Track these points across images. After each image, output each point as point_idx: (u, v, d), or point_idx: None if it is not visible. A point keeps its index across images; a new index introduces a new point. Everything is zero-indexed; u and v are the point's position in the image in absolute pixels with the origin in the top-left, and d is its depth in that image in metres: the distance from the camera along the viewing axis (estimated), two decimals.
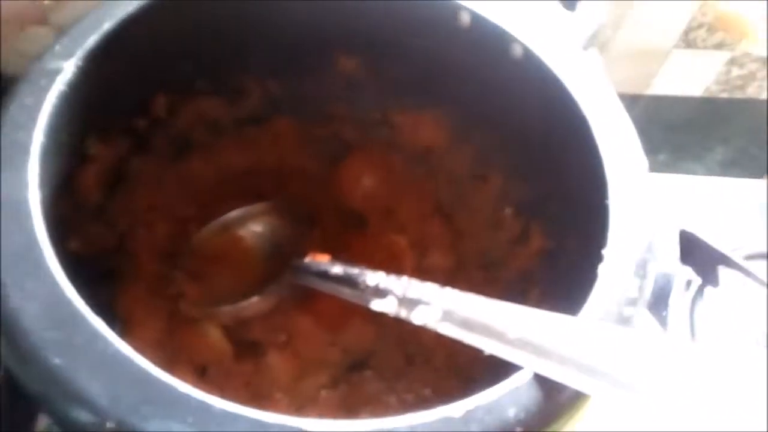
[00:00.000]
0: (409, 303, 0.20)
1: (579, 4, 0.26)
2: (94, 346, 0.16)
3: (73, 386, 0.15)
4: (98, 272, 0.29)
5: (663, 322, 0.39)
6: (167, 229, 0.30)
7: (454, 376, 0.30)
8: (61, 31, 0.22)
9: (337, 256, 0.32)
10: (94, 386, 0.15)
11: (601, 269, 0.19)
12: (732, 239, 0.41)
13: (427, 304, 0.19)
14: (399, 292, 0.21)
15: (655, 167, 0.59)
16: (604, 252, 0.19)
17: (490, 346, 0.17)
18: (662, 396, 0.14)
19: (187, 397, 0.15)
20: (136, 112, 0.28)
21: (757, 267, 0.41)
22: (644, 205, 0.20)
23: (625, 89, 0.59)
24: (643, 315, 0.18)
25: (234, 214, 0.31)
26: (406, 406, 0.29)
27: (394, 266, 0.33)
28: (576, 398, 0.16)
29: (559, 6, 0.26)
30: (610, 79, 0.61)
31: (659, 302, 0.40)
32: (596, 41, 0.26)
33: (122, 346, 0.16)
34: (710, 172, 0.55)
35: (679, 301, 0.39)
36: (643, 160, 0.21)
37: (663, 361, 0.15)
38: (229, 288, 0.28)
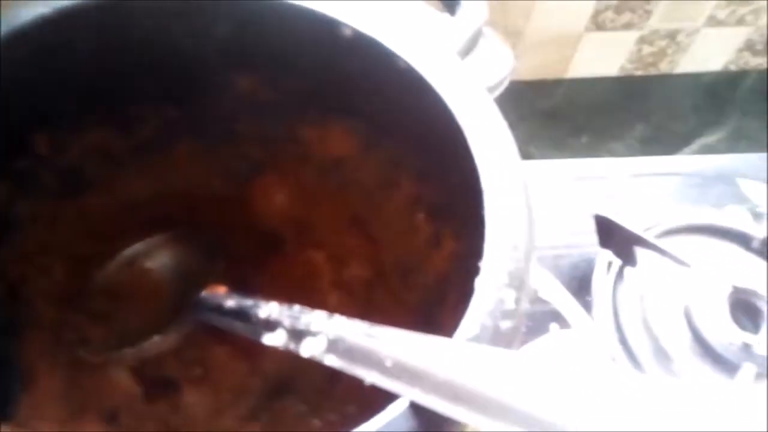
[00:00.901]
0: (297, 335, 0.20)
1: (459, 7, 0.26)
2: None
3: None
4: None
5: (587, 306, 0.40)
6: (65, 270, 0.29)
7: (379, 390, 0.30)
8: None
9: (253, 281, 0.31)
10: None
11: (478, 282, 0.18)
12: (648, 218, 0.42)
13: (314, 334, 0.19)
14: (288, 323, 0.20)
15: (578, 149, 0.61)
16: (480, 264, 0.19)
17: (370, 376, 0.17)
18: (538, 422, 0.13)
19: None
20: (14, 153, 0.27)
21: (677, 242, 0.43)
22: (519, 214, 0.20)
23: (544, 75, 0.60)
24: (522, 328, 0.18)
25: (137, 247, 0.29)
26: (331, 427, 0.29)
27: (311, 283, 0.33)
28: (453, 428, 0.16)
29: (436, 12, 0.26)
30: (528, 66, 0.62)
31: (583, 287, 0.41)
32: (475, 42, 0.26)
33: None
34: (631, 150, 0.57)
35: (601, 283, 0.40)
36: (520, 168, 0.21)
37: (539, 384, 0.14)
38: (133, 327, 0.27)
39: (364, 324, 0.18)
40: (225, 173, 0.34)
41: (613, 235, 0.39)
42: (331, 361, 0.18)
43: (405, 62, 0.24)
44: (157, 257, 0.30)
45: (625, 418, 0.12)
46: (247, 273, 0.31)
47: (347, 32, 0.26)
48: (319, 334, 0.19)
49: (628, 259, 0.40)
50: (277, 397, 0.29)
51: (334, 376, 0.31)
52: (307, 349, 0.19)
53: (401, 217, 0.33)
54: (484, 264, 0.19)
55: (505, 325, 0.18)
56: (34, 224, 0.28)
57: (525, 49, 0.55)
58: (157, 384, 0.28)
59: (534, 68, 0.57)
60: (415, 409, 0.16)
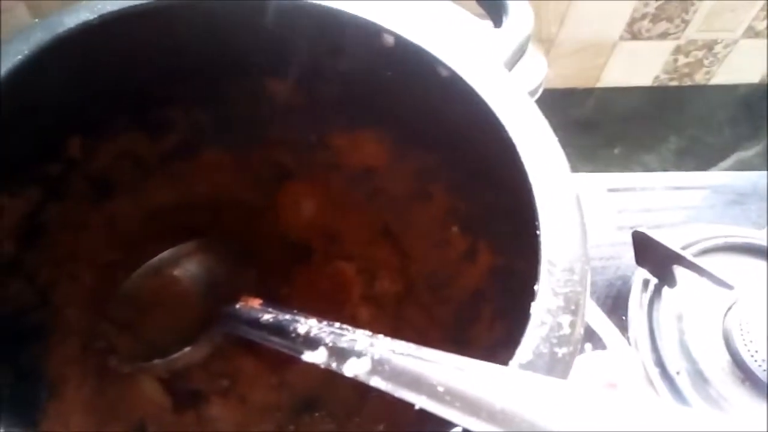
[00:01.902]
0: (340, 353, 0.19)
1: (505, 20, 0.25)
2: None
3: None
4: (20, 331, 0.27)
5: (623, 325, 0.39)
6: (93, 277, 0.28)
7: (410, 409, 0.29)
8: None
9: (280, 292, 0.30)
10: None
11: (533, 307, 0.17)
12: (686, 236, 0.41)
13: (358, 355, 0.18)
14: (330, 341, 0.19)
15: (610, 160, 0.59)
16: (536, 288, 0.18)
17: (420, 401, 0.16)
18: None
19: None
20: (48, 157, 0.26)
21: (714, 261, 0.41)
22: (576, 235, 0.19)
23: (575, 84, 0.59)
24: (577, 353, 0.17)
25: (164, 255, 0.29)
26: None
27: (341, 296, 0.32)
28: None
29: (482, 23, 0.25)
30: (560, 74, 0.61)
31: (618, 305, 0.39)
32: (521, 54, 0.25)
33: None
34: (665, 162, 0.55)
35: (637, 302, 0.39)
36: (573, 185, 0.20)
37: (593, 415, 0.14)
38: (162, 337, 0.27)
39: (411, 346, 0.18)
40: (253, 181, 0.33)
41: (650, 253, 0.38)
42: (377, 383, 0.17)
43: (449, 70, 0.23)
44: (185, 266, 0.29)
45: None
46: (276, 284, 0.30)
47: (389, 39, 0.25)
48: (364, 354, 0.18)
49: (665, 278, 0.38)
50: (305, 412, 0.28)
51: (363, 394, 0.30)
52: (351, 370, 0.18)
53: (434, 229, 0.32)
54: (540, 287, 0.18)
55: (562, 351, 0.17)
56: (64, 229, 0.28)
57: (557, 57, 0.54)
58: (185, 395, 0.27)
59: (566, 77, 0.56)
60: None
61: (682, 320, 0.38)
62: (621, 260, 0.40)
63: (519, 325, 0.26)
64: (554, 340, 0.17)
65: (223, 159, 0.32)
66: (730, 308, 0.37)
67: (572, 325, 0.17)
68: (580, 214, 0.20)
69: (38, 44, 0.21)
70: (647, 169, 0.55)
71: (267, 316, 0.22)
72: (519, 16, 0.25)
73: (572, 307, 0.17)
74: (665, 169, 0.55)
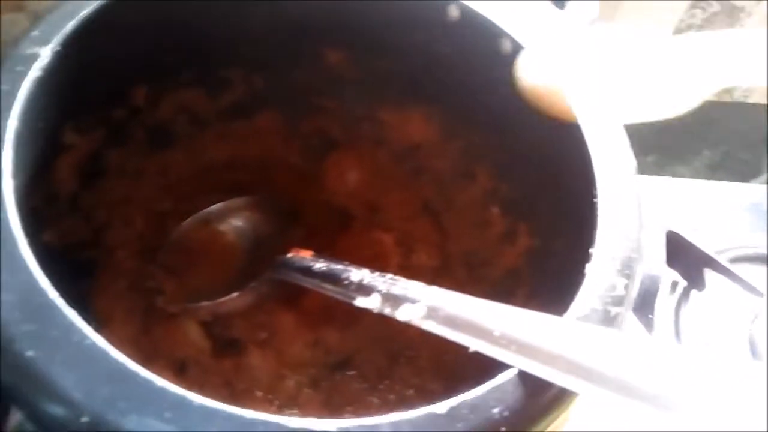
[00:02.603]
0: (394, 300, 0.20)
1: (568, 3, 0.26)
2: (69, 338, 0.15)
3: (46, 379, 0.14)
4: (73, 266, 0.28)
5: (649, 324, 0.39)
6: (145, 222, 0.29)
7: (438, 376, 0.29)
8: (38, 17, 0.21)
9: (321, 254, 0.31)
10: (68, 380, 0.14)
11: (588, 268, 0.18)
12: (718, 242, 0.41)
13: (412, 301, 0.19)
14: (383, 288, 0.20)
15: (643, 169, 0.59)
16: (592, 251, 0.18)
17: (475, 344, 0.17)
18: (649, 396, 0.13)
19: (165, 392, 0.15)
20: (114, 102, 0.28)
21: (742, 270, 0.41)
22: (632, 204, 0.20)
23: None
24: (628, 315, 0.18)
25: (214, 208, 0.30)
26: (389, 407, 0.28)
27: (379, 264, 0.33)
28: (562, 397, 0.16)
29: (549, 3, 0.25)
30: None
31: (645, 304, 0.40)
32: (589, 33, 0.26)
33: (98, 340, 0.15)
34: (698, 174, 0.55)
35: (664, 303, 0.39)
36: (631, 160, 0.21)
37: (649, 362, 0.14)
38: (208, 284, 0.27)
39: (465, 296, 0.18)
40: (302, 146, 0.34)
41: (682, 254, 0.38)
42: (431, 326, 0.18)
43: (514, 44, 0.24)
44: (233, 220, 0.30)
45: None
46: (319, 246, 0.31)
47: (454, 12, 0.26)
48: (417, 301, 0.19)
49: (695, 280, 0.38)
50: (339, 370, 0.29)
51: (395, 360, 0.31)
52: (405, 314, 0.19)
53: (474, 209, 0.33)
54: (595, 251, 0.18)
55: (615, 310, 0.17)
56: (121, 174, 0.29)
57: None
58: (225, 342, 0.28)
59: None
60: (523, 376, 0.16)
61: (708, 324, 0.38)
62: (650, 259, 0.41)
63: (552, 307, 0.26)
64: (608, 299, 0.18)
65: (274, 122, 0.33)
66: (757, 316, 0.37)
67: (626, 287, 0.18)
68: (637, 191, 0.20)
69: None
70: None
71: (320, 265, 0.23)
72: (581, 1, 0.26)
73: (627, 271, 0.18)
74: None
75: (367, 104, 0.34)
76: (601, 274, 0.18)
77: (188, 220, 0.30)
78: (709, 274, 0.38)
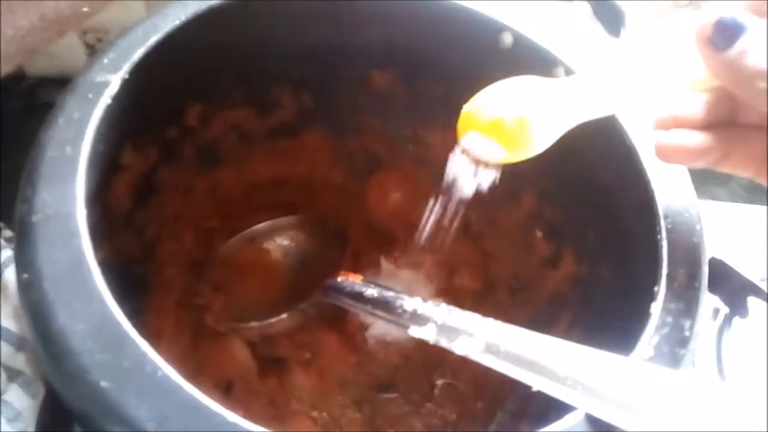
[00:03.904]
0: (450, 332, 0.20)
1: (623, 30, 0.26)
2: (142, 369, 0.15)
3: (120, 410, 0.15)
4: (124, 282, 0.29)
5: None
6: (194, 239, 0.30)
7: (480, 400, 0.29)
8: (106, 43, 0.21)
9: (365, 275, 0.31)
10: (141, 411, 0.15)
11: (654, 308, 0.18)
12: (761, 268, 0.40)
13: (470, 334, 0.19)
14: (439, 319, 0.20)
15: None
16: (656, 290, 0.18)
17: (538, 382, 0.17)
18: None
19: (235, 427, 0.15)
20: (169, 121, 0.28)
21: None
22: (696, 242, 0.19)
23: None
24: (694, 355, 0.18)
25: (261, 226, 0.30)
26: (431, 430, 0.28)
27: (420, 286, 0.33)
28: None
29: (602, 31, 0.25)
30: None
31: None
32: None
33: (171, 372, 0.15)
34: (735, 196, 0.54)
35: (706, 330, 0.38)
36: (692, 193, 0.21)
37: (718, 408, 0.14)
38: (255, 303, 0.28)
39: (526, 331, 0.18)
40: (347, 165, 0.34)
41: (725, 281, 0.37)
42: (490, 362, 0.18)
43: (567, 72, 0.24)
44: (279, 239, 0.30)
45: None
46: (362, 266, 0.31)
47: (507, 39, 0.26)
48: (475, 334, 0.19)
49: (738, 308, 0.38)
50: (381, 392, 0.29)
51: (436, 381, 0.31)
52: (462, 348, 0.19)
53: (517, 232, 0.33)
54: (660, 289, 0.18)
55: (681, 352, 0.17)
56: (173, 191, 0.29)
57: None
58: (270, 361, 0.28)
59: None
60: (590, 419, 0.16)
61: (750, 352, 0.37)
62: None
63: (596, 334, 0.26)
64: (674, 341, 0.17)
65: (321, 141, 0.33)
66: None
67: (691, 328, 0.18)
68: (700, 221, 0.20)
69: (194, 12, 0.22)
70: (717, 200, 0.54)
71: (371, 291, 0.23)
72: (638, 28, 0.26)
73: (692, 310, 0.18)
74: (735, 203, 0.54)
75: (412, 125, 0.34)
76: (666, 313, 0.18)
77: (235, 237, 0.30)
78: (752, 302, 0.37)
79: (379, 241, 0.33)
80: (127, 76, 0.21)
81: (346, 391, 0.28)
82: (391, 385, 0.29)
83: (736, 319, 0.39)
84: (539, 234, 0.32)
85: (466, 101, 0.32)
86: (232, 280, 0.29)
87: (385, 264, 0.33)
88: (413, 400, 0.29)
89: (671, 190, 0.21)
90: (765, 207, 0.50)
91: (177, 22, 0.22)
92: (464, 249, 0.34)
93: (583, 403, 0.16)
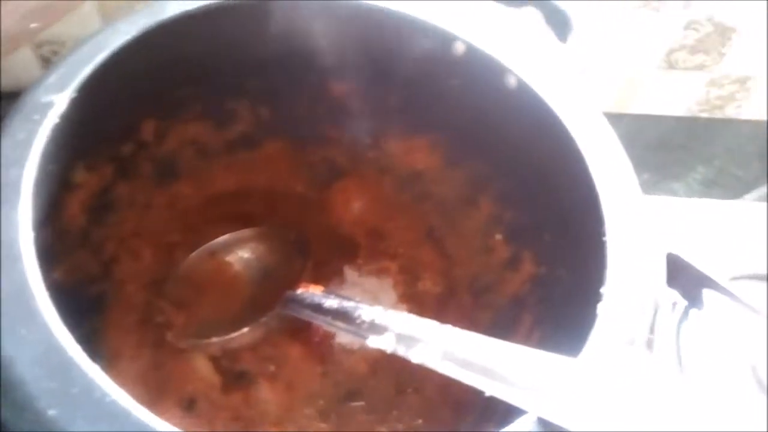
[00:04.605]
0: (408, 340, 0.20)
1: (570, 36, 0.26)
2: (90, 396, 0.15)
3: None
4: (82, 302, 0.28)
5: (649, 344, 0.39)
6: (154, 255, 0.30)
7: (446, 406, 0.29)
8: (55, 61, 0.21)
9: (328, 284, 0.31)
10: None
11: (600, 309, 0.18)
12: (717, 261, 0.42)
13: (426, 342, 0.19)
14: (397, 328, 0.20)
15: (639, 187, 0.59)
16: (603, 291, 0.19)
17: (492, 388, 0.17)
18: None
19: None
20: (123, 138, 0.28)
21: (743, 288, 0.42)
22: (643, 240, 0.20)
23: (607, 108, 0.60)
24: (642, 352, 0.18)
25: (222, 239, 0.30)
26: None
27: (384, 293, 0.33)
28: None
29: (552, 37, 0.26)
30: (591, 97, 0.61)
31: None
32: (585, 71, 0.27)
33: (120, 396, 0.15)
34: (692, 191, 0.56)
35: (664, 323, 0.39)
36: (638, 192, 0.21)
37: (666, 406, 0.15)
38: (217, 318, 0.28)
39: (482, 337, 0.18)
40: (308, 175, 0.34)
41: (681, 275, 0.39)
42: (447, 369, 0.18)
43: (518, 80, 0.25)
44: (240, 252, 0.30)
45: None
46: (325, 276, 0.31)
47: (460, 48, 0.26)
48: (432, 342, 0.19)
49: (695, 300, 0.39)
50: (346, 402, 0.29)
51: (403, 389, 0.31)
52: (419, 356, 0.19)
53: (478, 235, 0.33)
54: (607, 290, 0.19)
55: (629, 350, 0.18)
56: (130, 208, 0.29)
57: (591, 81, 0.55)
58: (233, 376, 0.28)
59: (597, 100, 0.57)
60: (542, 422, 0.16)
61: (709, 343, 0.39)
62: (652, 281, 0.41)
63: (557, 333, 0.27)
64: (623, 340, 0.18)
65: (281, 152, 0.33)
66: (757, 336, 0.38)
67: (639, 328, 0.18)
68: (648, 223, 0.21)
69: (144, 28, 0.22)
70: (674, 197, 0.56)
71: (330, 302, 0.23)
72: (584, 34, 0.26)
73: (639, 308, 0.18)
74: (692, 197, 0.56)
75: (373, 134, 0.34)
76: (613, 315, 0.18)
77: (196, 252, 0.30)
78: (708, 294, 0.38)
79: (342, 250, 0.33)
80: (74, 95, 0.20)
81: (312, 402, 0.28)
82: (357, 394, 0.29)
83: (694, 311, 0.40)
84: (499, 237, 0.32)
85: (423, 107, 0.32)
86: (194, 295, 0.29)
87: (349, 272, 0.33)
88: (379, 408, 0.29)
89: (617, 192, 0.21)
90: (720, 201, 0.52)
91: (126, 38, 0.22)
92: (427, 254, 0.34)
93: (533, 406, 0.16)
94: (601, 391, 0.15)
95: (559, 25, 0.27)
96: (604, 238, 0.20)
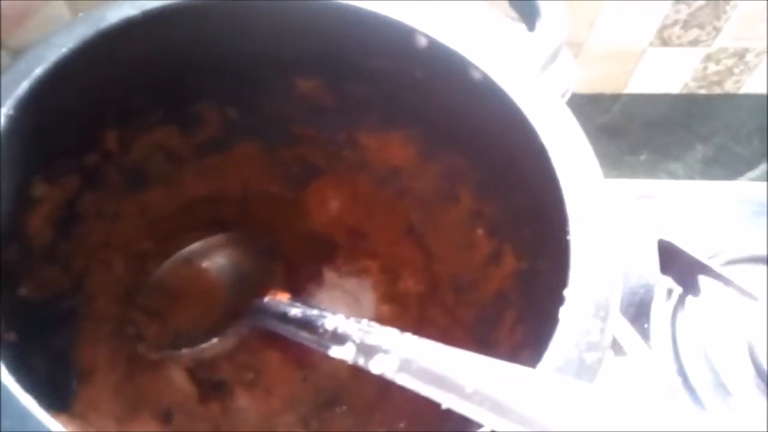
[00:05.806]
0: (368, 350, 0.19)
1: (538, 23, 0.25)
2: None
3: None
4: (53, 317, 0.28)
5: (645, 333, 0.38)
6: (125, 265, 0.29)
7: (429, 407, 0.29)
8: None
9: (306, 287, 0.31)
10: None
11: (562, 313, 0.18)
12: (714, 244, 0.41)
13: (386, 352, 0.19)
14: (357, 338, 0.20)
15: (636, 167, 0.59)
16: (566, 293, 0.18)
17: (447, 400, 0.16)
18: None
19: None
20: (86, 149, 0.27)
21: (738, 272, 0.41)
22: (607, 240, 0.19)
23: (603, 89, 0.59)
24: (605, 358, 0.17)
25: (194, 246, 0.29)
26: None
27: (365, 293, 0.33)
28: None
29: (518, 26, 0.25)
30: (587, 79, 0.60)
31: (640, 314, 0.39)
32: (554, 59, 0.25)
33: None
34: (692, 170, 0.55)
35: (660, 311, 0.38)
36: (602, 185, 0.20)
37: (627, 421, 0.14)
38: (189, 328, 0.27)
39: (439, 345, 0.18)
40: (282, 176, 0.34)
41: (675, 262, 0.38)
42: (404, 380, 0.18)
43: (481, 73, 0.24)
44: (214, 258, 0.30)
45: None
46: (303, 280, 0.31)
47: (422, 40, 0.25)
48: (391, 352, 0.18)
49: (690, 287, 0.38)
50: (327, 407, 0.29)
51: (384, 391, 0.31)
52: (378, 367, 0.18)
53: (459, 231, 0.32)
54: (569, 292, 0.18)
55: (590, 357, 0.17)
56: (98, 219, 0.28)
57: (585, 62, 0.53)
58: (211, 386, 0.28)
59: (593, 82, 0.56)
60: None
61: (705, 330, 0.38)
62: (644, 268, 0.40)
63: (540, 329, 0.26)
64: (583, 346, 0.17)
65: (253, 154, 0.32)
66: (755, 320, 0.37)
67: (601, 331, 0.17)
68: (611, 219, 0.20)
69: (82, 38, 0.21)
70: (673, 177, 0.54)
71: (295, 311, 0.23)
72: (553, 20, 0.25)
73: (602, 313, 0.18)
74: (692, 178, 0.54)
75: (346, 130, 0.33)
76: (574, 318, 0.17)
77: (169, 260, 0.29)
78: (703, 280, 0.37)
79: (320, 251, 0.33)
80: (11, 113, 0.20)
81: (293, 408, 0.28)
82: (339, 399, 0.29)
83: (689, 299, 0.39)
84: (480, 232, 0.31)
85: (393, 101, 0.31)
86: (167, 304, 0.28)
87: (328, 274, 0.32)
88: (361, 412, 0.28)
89: (584, 192, 0.20)
90: (719, 182, 0.50)
91: (64, 50, 0.21)
92: (408, 251, 0.33)
93: (489, 421, 0.15)
94: (555, 403, 0.15)
95: (526, 12, 0.25)
96: (568, 238, 0.19)
